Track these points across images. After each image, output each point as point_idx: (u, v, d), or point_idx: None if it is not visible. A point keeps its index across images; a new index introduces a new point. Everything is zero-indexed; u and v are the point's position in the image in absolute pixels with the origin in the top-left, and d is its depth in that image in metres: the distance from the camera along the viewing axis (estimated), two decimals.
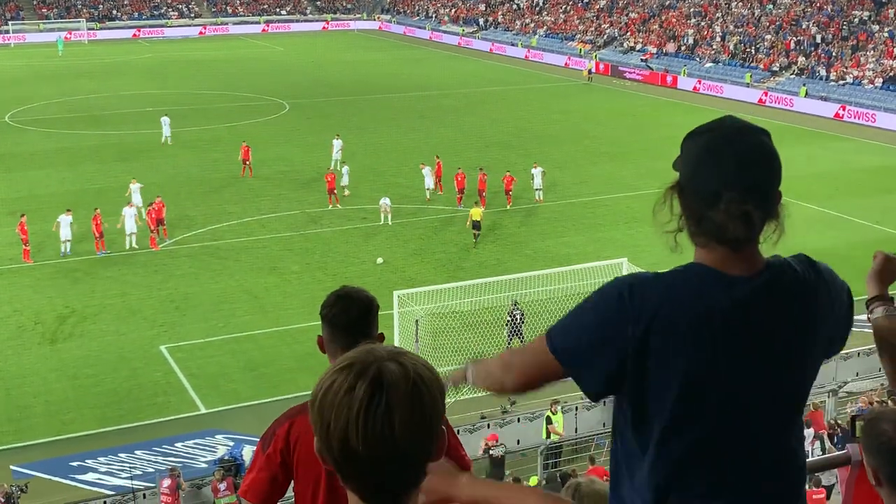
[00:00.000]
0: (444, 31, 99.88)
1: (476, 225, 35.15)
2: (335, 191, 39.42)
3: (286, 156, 47.57)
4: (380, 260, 33.21)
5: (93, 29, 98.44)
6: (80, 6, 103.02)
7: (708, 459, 2.65)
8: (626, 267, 27.31)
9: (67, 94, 64.79)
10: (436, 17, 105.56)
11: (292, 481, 4.00)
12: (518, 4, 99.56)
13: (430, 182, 39.96)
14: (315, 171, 42.94)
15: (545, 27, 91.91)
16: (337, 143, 44.93)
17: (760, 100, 65.25)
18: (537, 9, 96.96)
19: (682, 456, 2.63)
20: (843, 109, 60.83)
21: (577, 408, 23.23)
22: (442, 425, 2.12)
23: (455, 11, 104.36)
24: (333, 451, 2.04)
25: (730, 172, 2.57)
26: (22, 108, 60.24)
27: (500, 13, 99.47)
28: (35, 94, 64.43)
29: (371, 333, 3.89)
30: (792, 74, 68.01)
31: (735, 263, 2.62)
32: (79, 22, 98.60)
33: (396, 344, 24.73)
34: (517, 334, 26.41)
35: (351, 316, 3.89)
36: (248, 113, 59.10)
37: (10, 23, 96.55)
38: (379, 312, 4.09)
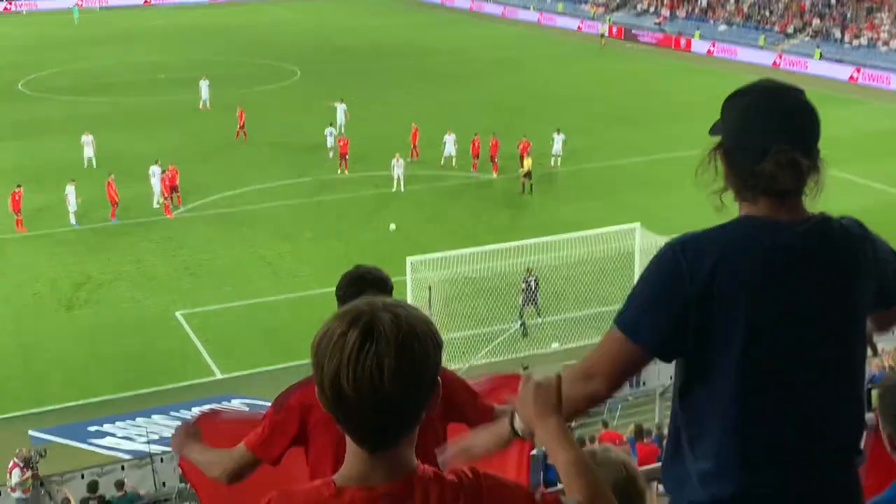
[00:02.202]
0: None
1: (527, 175, 36.76)
2: (347, 156, 39.46)
3: (299, 122, 47.50)
4: (392, 226, 33.23)
5: None
6: None
7: (774, 412, 2.72)
8: (639, 232, 27.28)
9: (79, 62, 64.75)
10: None
11: (304, 449, 4.04)
12: None
13: (450, 149, 39.79)
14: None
15: None
16: (341, 107, 45.02)
17: (775, 62, 64.71)
18: None
19: (751, 410, 2.71)
20: (858, 72, 60.32)
21: None
22: (437, 378, 2.18)
23: None
24: (326, 393, 2.13)
25: (776, 127, 2.69)
26: (34, 75, 60.24)
27: None
28: (47, 62, 64.39)
29: None
30: (806, 37, 67.40)
31: (781, 213, 2.73)
32: None
33: None
34: (532, 302, 26.43)
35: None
36: (259, 79, 58.97)
37: None
38: (392, 280, 4.12)
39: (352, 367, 2.07)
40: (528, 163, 37.14)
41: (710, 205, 2.84)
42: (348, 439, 2.22)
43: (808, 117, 2.75)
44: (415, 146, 40.64)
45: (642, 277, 2.78)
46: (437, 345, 2.17)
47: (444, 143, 39.96)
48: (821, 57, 63.31)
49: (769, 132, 2.69)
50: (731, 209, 2.84)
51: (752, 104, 2.76)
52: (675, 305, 2.68)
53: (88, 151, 40.03)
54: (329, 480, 2.23)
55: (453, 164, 39.77)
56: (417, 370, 2.11)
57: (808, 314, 2.70)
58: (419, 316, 2.17)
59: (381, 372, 2.07)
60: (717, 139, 2.84)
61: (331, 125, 42.83)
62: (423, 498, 2.20)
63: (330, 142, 41.41)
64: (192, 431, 4.39)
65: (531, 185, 37.04)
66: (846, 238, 2.77)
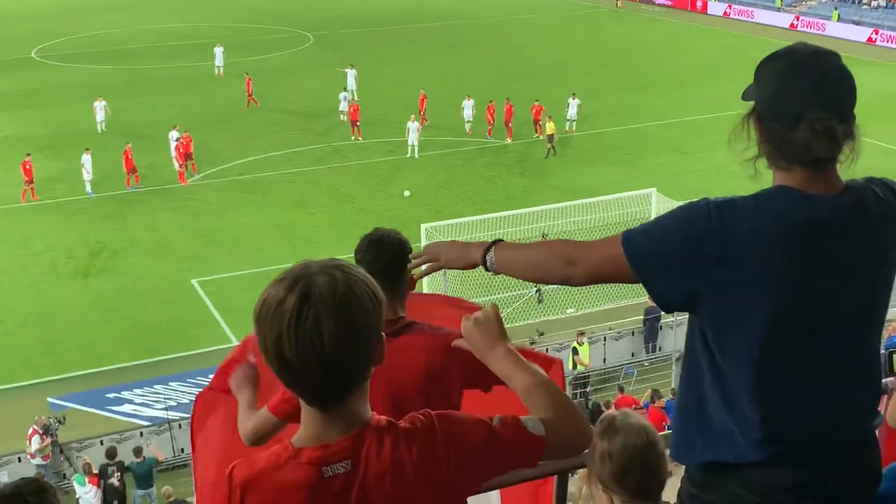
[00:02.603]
0: None
1: (550, 138, 36.79)
2: (358, 122, 39.38)
3: (312, 89, 47.36)
4: (407, 193, 33.20)
5: None
6: None
7: (798, 373, 2.70)
8: (654, 197, 27.17)
9: (93, 29, 64.61)
10: None
11: None
12: None
13: (469, 114, 39.60)
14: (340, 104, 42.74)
15: None
16: (351, 73, 45.01)
17: (792, 24, 64.07)
18: None
19: (774, 372, 2.68)
20: (876, 33, 59.65)
21: (604, 338, 23.31)
22: (381, 335, 2.23)
23: None
24: (271, 360, 2.16)
25: (811, 92, 2.62)
26: (48, 43, 60.19)
27: None
28: (60, 29, 64.32)
29: (404, 276, 3.90)
30: None
31: (816, 183, 2.66)
32: None
33: (425, 280, 24.78)
34: None
35: (384, 260, 3.89)
36: (272, 45, 58.77)
37: None
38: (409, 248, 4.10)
39: (292, 334, 2.10)
40: (550, 126, 37.17)
41: (744, 172, 2.77)
42: (301, 401, 2.26)
43: (844, 82, 2.68)
44: (423, 113, 40.37)
45: (668, 217, 2.71)
46: (378, 301, 2.20)
47: (464, 107, 39.75)
48: (839, 18, 62.61)
49: (803, 97, 2.62)
50: (766, 176, 2.78)
51: (786, 68, 2.68)
52: (691, 260, 2.63)
53: (100, 116, 40.70)
54: (287, 444, 2.27)
55: (468, 129, 39.62)
56: (358, 331, 2.14)
57: (837, 286, 2.66)
58: (357, 275, 2.19)
59: (321, 337, 2.09)
60: (750, 105, 2.77)
61: (344, 90, 42.86)
62: (376, 448, 2.25)
63: (343, 105, 41.48)
64: (252, 374, 4.05)
65: (553, 149, 37.04)
66: (879, 204, 2.71)
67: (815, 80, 2.63)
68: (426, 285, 24.25)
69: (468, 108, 39.60)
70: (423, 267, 3.23)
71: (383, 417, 2.30)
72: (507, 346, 2.70)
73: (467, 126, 39.63)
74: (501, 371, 2.67)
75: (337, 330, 2.10)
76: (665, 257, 2.67)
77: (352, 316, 2.12)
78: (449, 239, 3.17)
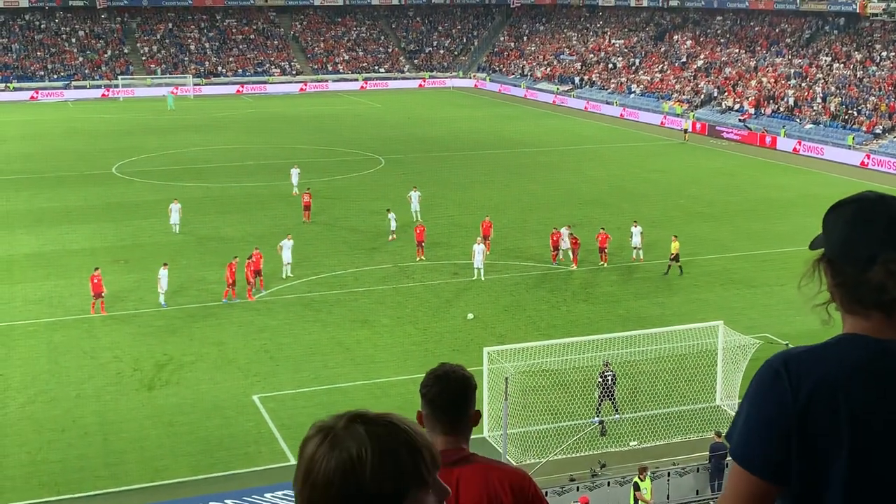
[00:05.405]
0: (539, 90, 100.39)
1: (675, 258, 37.85)
2: (424, 243, 39.78)
3: (380, 209, 48.06)
4: (470, 315, 33.22)
5: (198, 84, 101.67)
6: (187, 62, 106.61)
7: None
8: (721, 330, 26.77)
9: (172, 148, 66.85)
10: (531, 75, 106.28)
11: None
12: (614, 63, 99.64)
13: (566, 243, 39.52)
14: (408, 226, 43.33)
15: (641, 86, 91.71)
16: (415, 195, 46.10)
17: (863, 162, 63.79)
18: (633, 68, 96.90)
19: None
20: None
21: (668, 474, 22.70)
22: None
23: (550, 70, 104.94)
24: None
25: (883, 234, 2.60)
26: (129, 159, 62.31)
27: (595, 72, 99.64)
28: (141, 147, 66.64)
29: (468, 412, 3.96)
30: (895, 137, 66.48)
31: (890, 329, 2.61)
32: (185, 77, 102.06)
33: (485, 402, 24.59)
34: (609, 396, 25.98)
35: (448, 395, 3.98)
36: (345, 167, 60.08)
37: (119, 77, 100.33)
38: (469, 370, 4.11)
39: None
40: (675, 245, 37.85)
41: (817, 318, 2.73)
42: None
43: None
44: (486, 239, 40.25)
45: (746, 401, 2.68)
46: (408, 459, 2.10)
47: (563, 235, 39.65)
48: None
49: (876, 239, 2.59)
50: (838, 320, 2.73)
51: (856, 212, 2.67)
52: (781, 428, 2.57)
53: (174, 218, 42.99)
54: None
55: (562, 256, 39.46)
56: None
57: None
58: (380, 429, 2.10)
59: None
60: (818, 252, 2.75)
61: (388, 210, 43.71)
62: None
63: (393, 225, 42.75)
64: None
65: (680, 267, 37.87)
66: None
67: (887, 223, 2.61)
68: (486, 415, 24.04)
69: (565, 235, 39.49)
70: None
71: None
72: None
73: (561, 253, 39.53)
74: None
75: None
76: (764, 442, 2.60)
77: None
78: None
